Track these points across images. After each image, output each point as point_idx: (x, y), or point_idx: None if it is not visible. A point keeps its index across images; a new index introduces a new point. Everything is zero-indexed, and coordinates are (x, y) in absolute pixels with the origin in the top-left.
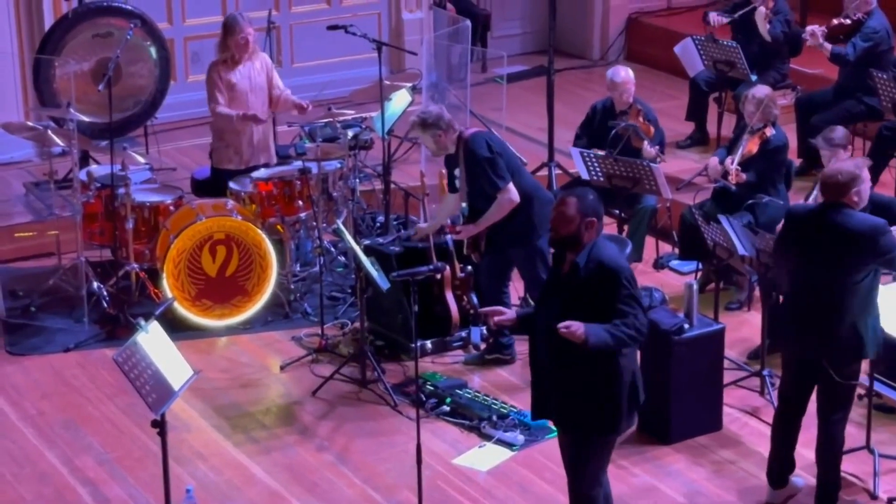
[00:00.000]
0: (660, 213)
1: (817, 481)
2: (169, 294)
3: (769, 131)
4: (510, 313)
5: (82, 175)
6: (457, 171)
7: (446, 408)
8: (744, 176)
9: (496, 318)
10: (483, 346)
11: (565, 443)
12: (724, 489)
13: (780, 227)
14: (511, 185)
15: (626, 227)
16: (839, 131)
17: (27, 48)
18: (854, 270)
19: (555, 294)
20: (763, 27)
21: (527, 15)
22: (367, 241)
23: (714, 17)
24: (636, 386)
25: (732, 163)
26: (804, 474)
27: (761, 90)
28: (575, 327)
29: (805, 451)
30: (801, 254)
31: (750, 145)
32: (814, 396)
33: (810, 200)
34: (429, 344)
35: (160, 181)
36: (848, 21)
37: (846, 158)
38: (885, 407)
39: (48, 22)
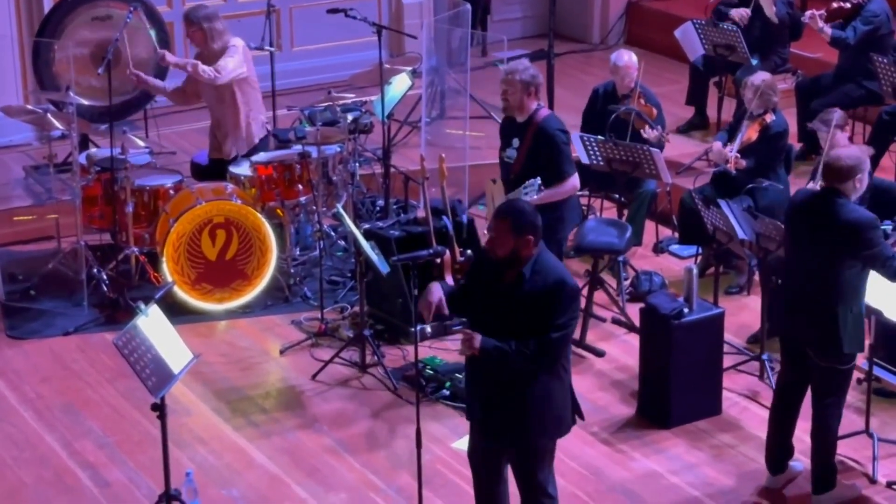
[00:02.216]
0: (660, 197)
1: (812, 464)
2: (169, 278)
3: (769, 117)
4: (438, 299)
5: (82, 159)
6: (514, 142)
7: (446, 392)
8: (743, 163)
9: (431, 312)
10: None
11: (489, 452)
12: (723, 473)
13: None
14: (576, 174)
15: (625, 212)
16: (836, 112)
17: (26, 31)
18: (838, 261)
19: (495, 304)
20: (769, 9)
21: None
22: (366, 225)
23: (735, 13)
24: (568, 397)
25: (732, 150)
26: (802, 458)
27: (760, 76)
28: (474, 341)
29: (804, 435)
30: (793, 239)
31: (749, 132)
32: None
33: (810, 185)
34: (428, 328)
35: (160, 165)
36: (847, 5)
37: (846, 142)
38: (884, 391)
39: (47, 5)
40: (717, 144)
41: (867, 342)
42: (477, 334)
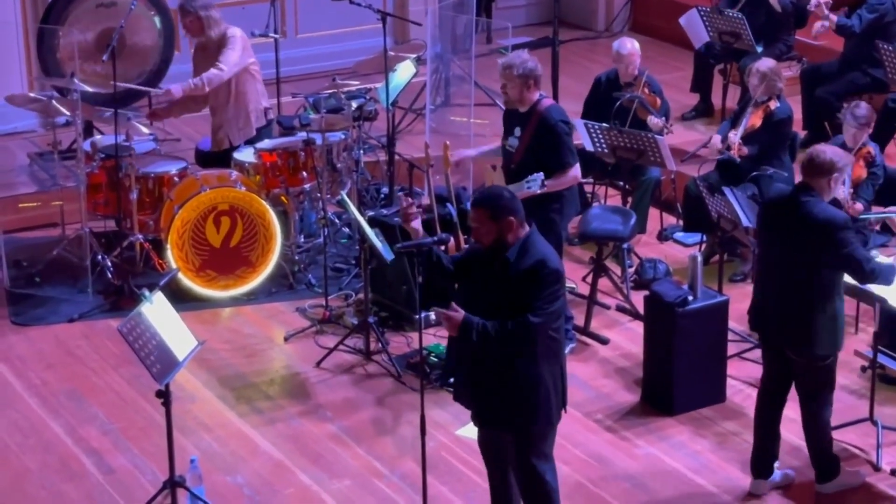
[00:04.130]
0: (664, 184)
1: (810, 457)
2: (173, 265)
3: (773, 104)
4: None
5: (86, 145)
6: (516, 131)
7: (450, 379)
8: (746, 150)
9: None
10: None
11: (491, 440)
12: (727, 461)
13: None
14: (577, 165)
15: (630, 199)
16: (864, 108)
17: (31, 18)
18: (810, 262)
19: (487, 289)
20: None
21: None
22: (371, 213)
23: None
24: (560, 384)
25: (736, 136)
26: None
27: (765, 63)
28: (455, 318)
29: (801, 429)
30: (765, 238)
31: (753, 119)
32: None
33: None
34: (432, 315)
35: (164, 152)
36: None
37: (865, 139)
38: (888, 378)
39: None
40: (717, 138)
41: (872, 330)
42: (459, 313)
